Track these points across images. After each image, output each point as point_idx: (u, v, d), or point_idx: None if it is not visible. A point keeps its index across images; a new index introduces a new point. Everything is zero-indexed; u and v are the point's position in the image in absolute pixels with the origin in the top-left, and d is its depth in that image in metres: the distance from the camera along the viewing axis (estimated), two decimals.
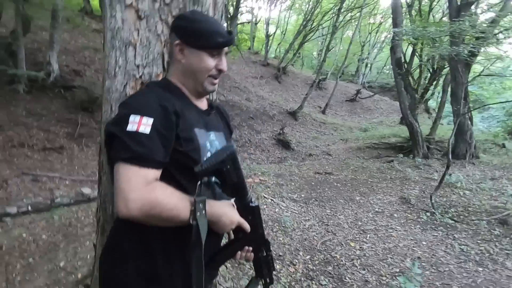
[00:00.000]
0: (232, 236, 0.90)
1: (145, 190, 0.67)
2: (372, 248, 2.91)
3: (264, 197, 4.06)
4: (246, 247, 0.86)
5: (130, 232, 0.78)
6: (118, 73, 0.94)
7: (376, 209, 3.88)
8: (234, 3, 13.56)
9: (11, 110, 6.33)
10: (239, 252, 0.86)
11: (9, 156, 5.08)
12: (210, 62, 0.85)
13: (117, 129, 0.72)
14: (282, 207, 3.83)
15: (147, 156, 0.70)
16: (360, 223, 3.46)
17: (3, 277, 2.40)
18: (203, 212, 0.72)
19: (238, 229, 0.83)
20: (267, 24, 18.92)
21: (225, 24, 1.19)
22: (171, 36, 0.89)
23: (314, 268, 2.57)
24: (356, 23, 16.28)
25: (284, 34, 20.36)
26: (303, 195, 4.35)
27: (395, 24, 7.02)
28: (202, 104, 0.94)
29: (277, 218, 3.48)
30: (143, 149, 0.69)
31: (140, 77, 0.94)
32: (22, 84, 6.55)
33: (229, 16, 12.99)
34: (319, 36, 18.96)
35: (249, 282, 0.95)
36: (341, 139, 11.34)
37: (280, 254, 2.78)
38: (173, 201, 0.70)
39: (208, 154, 0.84)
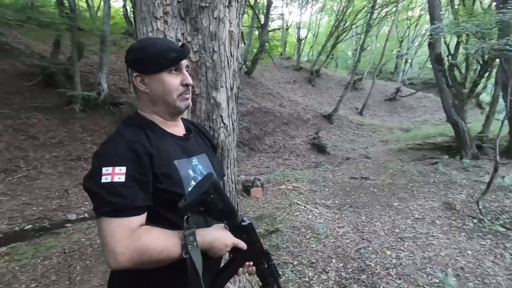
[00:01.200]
0: (230, 255, 0.90)
1: (131, 240, 0.69)
2: (409, 257, 2.79)
3: (297, 203, 4.09)
4: (247, 263, 0.87)
5: (128, 271, 0.76)
6: None
7: (416, 216, 3.69)
8: (264, 11, 13.78)
9: (69, 128, 7.18)
10: (240, 269, 0.88)
11: (68, 168, 5.76)
12: (173, 81, 0.84)
13: (92, 184, 0.72)
14: (315, 214, 3.82)
15: (127, 206, 0.70)
16: (397, 231, 3.33)
17: (66, 277, 2.76)
18: (195, 244, 0.72)
19: (235, 249, 0.84)
20: (298, 28, 18.88)
21: (240, 52, 1.28)
22: (128, 72, 0.87)
23: (347, 276, 2.55)
24: (393, 18, 15.55)
25: (316, 37, 20.13)
26: (337, 201, 4.29)
27: (433, 19, 6.61)
28: (179, 129, 0.93)
29: (310, 225, 3.49)
30: (121, 199, 0.70)
31: None
32: (78, 104, 7.38)
33: (260, 24, 13.25)
34: (353, 36, 18.42)
35: None
36: (380, 141, 10.86)
37: (313, 261, 2.80)
38: (160, 244, 0.71)
39: (192, 183, 0.84)
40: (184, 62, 0.86)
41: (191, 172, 0.86)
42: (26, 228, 4.25)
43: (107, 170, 0.71)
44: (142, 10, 1.04)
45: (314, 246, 3.05)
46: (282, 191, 4.73)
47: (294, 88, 15.43)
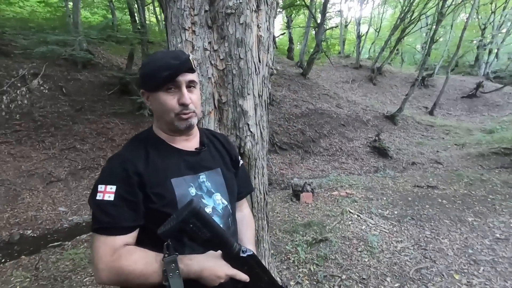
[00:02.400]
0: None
1: (111, 259, 0.71)
2: (486, 284, 2.35)
3: (350, 212, 3.82)
4: None
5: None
6: None
7: (497, 235, 3.11)
8: (321, 10, 13.38)
9: (139, 131, 8.03)
10: None
11: None
12: (170, 101, 0.81)
13: (90, 199, 0.76)
14: (370, 225, 3.52)
15: (112, 225, 0.73)
16: (471, 251, 2.85)
17: None
18: (176, 272, 0.69)
19: (236, 280, 0.77)
20: (358, 24, 17.83)
21: (271, 56, 1.21)
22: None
23: None
24: (472, 3, 13.54)
25: (378, 32, 18.77)
26: (396, 212, 3.88)
27: None
28: (191, 143, 0.90)
29: (363, 236, 3.22)
30: (108, 218, 0.72)
31: None
32: (146, 109, 8.21)
33: (316, 23, 12.91)
34: (421, 27, 16.62)
35: None
36: (455, 144, 9.54)
37: (364, 277, 2.57)
38: (139, 268, 0.71)
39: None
40: (185, 78, 0.81)
41: (192, 191, 0.83)
42: None
43: (101, 187, 0.74)
44: (172, 23, 1.07)
45: (366, 260, 2.80)
46: (334, 197, 4.48)
47: (353, 87, 14.62)
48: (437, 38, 13.70)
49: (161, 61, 0.80)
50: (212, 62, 1.08)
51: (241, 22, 1.07)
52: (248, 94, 1.15)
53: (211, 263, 0.75)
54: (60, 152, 6.62)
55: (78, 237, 3.95)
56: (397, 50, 18.25)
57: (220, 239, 0.73)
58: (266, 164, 1.37)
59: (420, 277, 2.52)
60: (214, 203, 0.86)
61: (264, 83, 1.24)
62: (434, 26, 12.97)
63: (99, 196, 0.74)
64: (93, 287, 2.69)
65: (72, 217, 4.94)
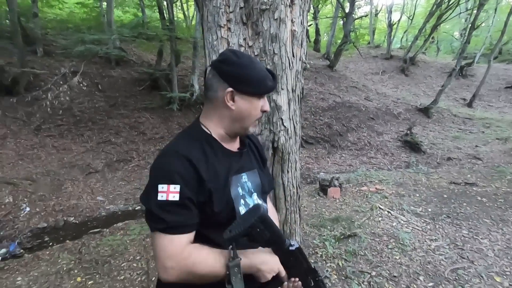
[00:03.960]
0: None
1: (181, 257, 0.72)
2: None
3: (380, 208, 3.72)
4: (292, 279, 0.85)
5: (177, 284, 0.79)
6: None
7: None
8: None
9: (169, 125, 8.34)
10: (285, 283, 0.85)
11: None
12: (259, 107, 0.84)
13: (148, 200, 0.74)
14: (402, 222, 3.41)
15: (179, 224, 0.73)
16: None
17: None
18: (239, 275, 0.73)
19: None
20: (390, 12, 16.94)
21: (304, 51, 1.20)
22: (218, 82, 0.82)
23: None
24: None
25: (412, 19, 17.72)
26: (430, 210, 3.71)
27: None
28: (235, 144, 0.91)
29: (394, 233, 3.13)
30: (175, 217, 0.73)
31: None
32: (175, 104, 8.47)
33: (344, 13, 12.48)
34: (461, 13, 15.46)
35: None
36: (497, 139, 8.88)
37: (395, 274, 2.51)
38: (209, 264, 0.74)
39: (242, 202, 0.85)
40: None
41: (240, 191, 0.86)
42: (136, 208, 5.16)
43: (162, 187, 0.72)
44: (208, 20, 1.10)
45: (397, 257, 2.72)
46: (363, 192, 4.38)
47: (383, 79, 14.02)
48: (479, 23, 12.66)
49: (262, 70, 0.83)
50: None
51: (275, 18, 1.07)
52: (282, 89, 1.16)
53: (268, 257, 0.81)
54: (97, 145, 7.06)
55: (115, 225, 4.21)
56: (433, 38, 17.14)
57: (277, 238, 0.78)
58: (298, 159, 1.37)
59: (457, 277, 2.41)
60: (253, 203, 0.90)
61: (298, 78, 1.24)
62: (475, 11, 12.01)
63: (161, 197, 0.72)
64: (131, 271, 2.88)
65: (109, 206, 5.28)
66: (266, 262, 0.79)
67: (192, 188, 0.75)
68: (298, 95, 1.27)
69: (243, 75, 0.80)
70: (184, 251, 0.73)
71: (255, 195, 0.91)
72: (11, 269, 3.16)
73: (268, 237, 0.75)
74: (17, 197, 4.92)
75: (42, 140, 6.53)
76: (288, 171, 1.29)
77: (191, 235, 0.77)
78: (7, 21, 8.31)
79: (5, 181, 5.11)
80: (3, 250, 3.71)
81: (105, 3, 10.53)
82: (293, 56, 1.18)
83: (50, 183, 5.53)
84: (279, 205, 1.36)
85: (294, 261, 0.83)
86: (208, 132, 0.85)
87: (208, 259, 0.75)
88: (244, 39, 1.09)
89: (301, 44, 1.19)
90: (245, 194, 0.87)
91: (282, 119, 1.19)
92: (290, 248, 0.81)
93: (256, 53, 1.07)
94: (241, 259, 0.75)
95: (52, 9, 10.89)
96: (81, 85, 7.41)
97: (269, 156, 1.22)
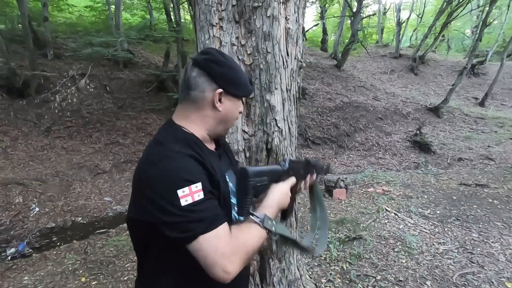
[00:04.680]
0: None
1: (232, 243, 0.70)
2: None
3: (386, 210, 3.64)
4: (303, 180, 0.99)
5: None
6: None
7: None
8: None
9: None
10: (301, 186, 0.99)
11: None
12: (240, 109, 0.88)
13: (171, 215, 0.67)
14: (409, 224, 3.32)
15: (216, 215, 0.71)
16: None
17: None
18: (274, 222, 0.79)
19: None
20: (399, 10, 16.70)
21: (300, 49, 1.17)
22: (207, 82, 0.79)
23: None
24: None
25: (421, 17, 17.40)
26: (438, 212, 3.61)
27: None
28: (212, 146, 0.90)
29: (401, 236, 3.05)
30: (210, 212, 0.70)
31: None
32: None
33: (352, 12, 12.34)
34: (472, 10, 15.10)
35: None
36: (510, 138, 8.64)
37: (401, 279, 2.44)
38: (252, 234, 0.76)
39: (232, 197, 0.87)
40: None
41: (232, 187, 0.88)
42: None
43: (183, 192, 0.67)
44: (200, 19, 1.09)
45: (404, 261, 2.65)
46: (369, 194, 4.30)
47: (391, 78, 13.82)
48: (491, 20, 12.34)
49: (244, 73, 0.88)
50: (240, 57, 1.08)
51: (268, 15, 1.05)
52: (276, 88, 1.13)
53: (277, 189, 0.88)
54: (105, 146, 7.15)
55: (121, 225, 4.25)
56: (443, 36, 16.80)
57: (275, 174, 0.91)
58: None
59: (465, 282, 2.33)
60: (236, 202, 0.90)
61: (293, 77, 1.20)
62: (487, 8, 11.70)
63: (185, 201, 0.67)
64: (134, 272, 2.89)
65: (116, 206, 5.33)
66: (279, 193, 0.87)
67: (209, 181, 0.74)
68: (293, 95, 1.23)
69: (234, 77, 0.81)
70: (232, 237, 0.72)
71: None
72: (19, 268, 3.21)
73: (267, 180, 0.85)
74: (27, 197, 5.02)
75: (52, 142, 6.66)
76: None
77: (226, 223, 0.74)
78: (19, 25, 8.51)
79: (16, 182, 5.23)
80: (13, 250, 3.79)
81: (113, 6, 10.69)
82: (288, 54, 1.14)
83: (59, 183, 5.62)
84: None
85: (294, 172, 0.96)
86: (192, 134, 0.81)
87: (249, 232, 0.76)
88: (237, 37, 1.06)
89: (296, 42, 1.16)
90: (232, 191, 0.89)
91: (276, 120, 1.15)
92: (285, 168, 0.93)
93: (249, 52, 1.05)
94: (265, 214, 0.79)
95: (62, 13, 11.12)
96: (88, 87, 7.53)
97: (263, 158, 1.20)
